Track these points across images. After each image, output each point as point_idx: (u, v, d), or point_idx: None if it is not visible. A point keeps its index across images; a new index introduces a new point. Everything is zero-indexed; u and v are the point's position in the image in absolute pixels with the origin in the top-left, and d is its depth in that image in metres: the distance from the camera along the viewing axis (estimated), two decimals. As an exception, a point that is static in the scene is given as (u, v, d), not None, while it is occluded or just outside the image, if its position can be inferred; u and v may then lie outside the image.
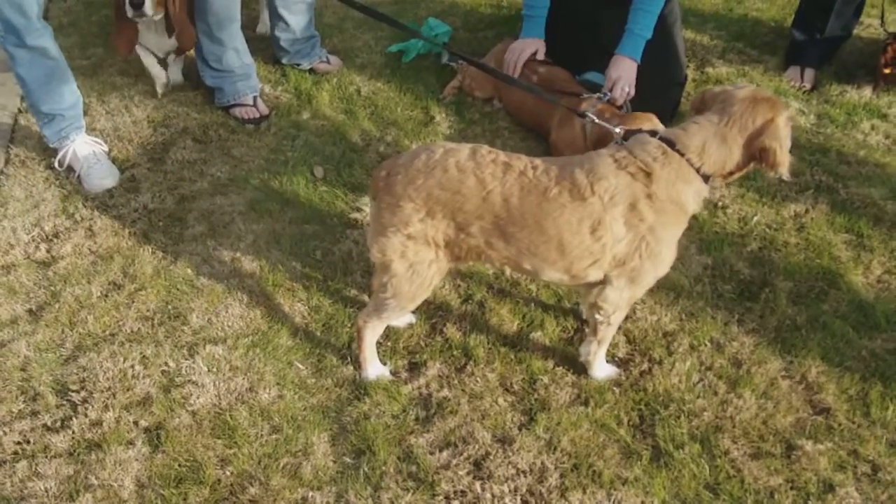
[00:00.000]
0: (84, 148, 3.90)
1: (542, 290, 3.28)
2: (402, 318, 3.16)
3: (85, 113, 4.21)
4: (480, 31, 5.09)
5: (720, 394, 2.87)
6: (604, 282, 2.68)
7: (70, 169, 3.91)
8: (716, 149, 2.56)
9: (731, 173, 2.63)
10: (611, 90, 3.96)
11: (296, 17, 4.51)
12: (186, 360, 3.02)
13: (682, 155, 2.56)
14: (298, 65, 4.69)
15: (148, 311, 3.25)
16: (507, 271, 2.76)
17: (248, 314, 3.21)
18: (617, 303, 2.71)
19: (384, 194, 2.66)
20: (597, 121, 3.12)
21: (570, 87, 4.09)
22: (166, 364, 3.02)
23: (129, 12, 3.97)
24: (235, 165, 3.99)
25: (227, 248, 3.51)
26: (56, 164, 3.93)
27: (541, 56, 4.29)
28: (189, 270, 3.41)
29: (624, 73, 4.00)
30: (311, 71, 4.69)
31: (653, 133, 2.66)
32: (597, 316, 2.77)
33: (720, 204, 3.70)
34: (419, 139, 4.11)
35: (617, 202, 2.53)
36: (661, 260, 2.63)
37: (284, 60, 4.71)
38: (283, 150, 4.08)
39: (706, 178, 2.59)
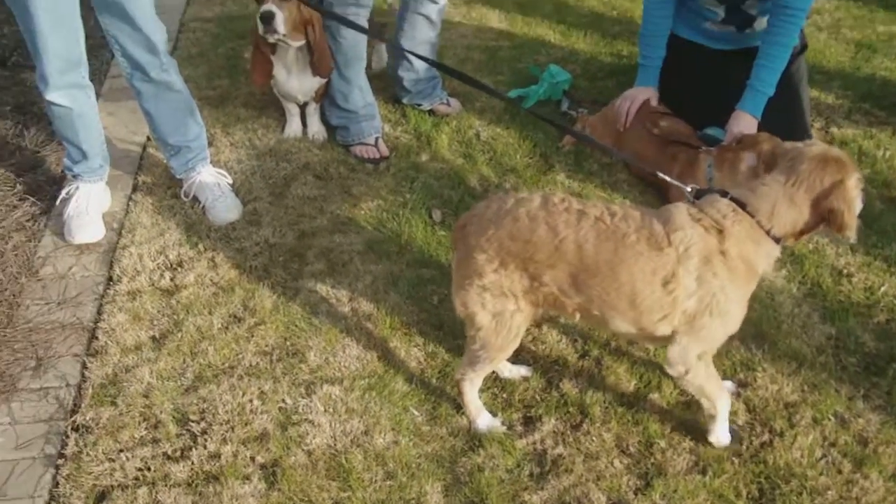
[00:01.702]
0: (209, 180, 3.99)
1: (660, 350, 3.24)
2: (517, 370, 3.15)
3: (210, 144, 4.32)
4: (600, 80, 5.08)
5: (845, 473, 2.78)
6: (672, 337, 2.64)
7: (195, 199, 4.01)
8: (785, 210, 2.54)
9: (801, 233, 2.60)
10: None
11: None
12: (303, 398, 3.05)
13: (753, 216, 2.54)
14: (419, 105, 4.74)
15: (267, 346, 3.29)
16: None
17: (364, 356, 3.23)
18: (686, 361, 2.65)
19: (460, 245, 2.71)
20: (668, 179, 2.98)
21: (689, 142, 4.06)
22: (283, 401, 3.05)
23: (260, 28, 4.08)
24: (355, 204, 4.04)
25: (345, 288, 3.55)
26: (182, 195, 4.03)
27: (654, 103, 4.28)
28: (307, 308, 3.46)
29: (745, 129, 3.96)
30: (431, 112, 4.73)
31: (724, 193, 2.62)
32: (671, 372, 2.72)
33: (845, 272, 3.60)
34: (537, 188, 4.11)
35: (692, 254, 2.50)
36: (731, 318, 2.59)
37: (405, 100, 4.77)
38: (401, 191, 4.12)
39: (777, 240, 2.56)
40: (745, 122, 3.99)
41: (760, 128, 3.99)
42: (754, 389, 3.08)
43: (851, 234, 2.55)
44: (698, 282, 2.51)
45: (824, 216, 2.54)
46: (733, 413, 2.97)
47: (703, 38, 4.39)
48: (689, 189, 2.81)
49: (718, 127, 4.16)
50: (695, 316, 2.55)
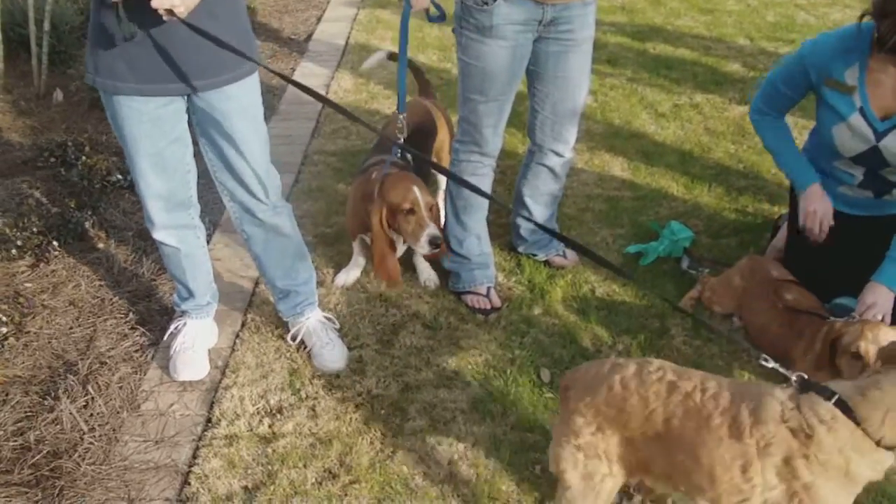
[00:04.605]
0: (317, 326, 3.94)
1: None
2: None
3: (320, 284, 4.29)
4: (723, 238, 4.90)
5: None
6: None
7: (302, 343, 3.96)
8: None
9: None
10: (861, 315, 3.67)
11: (540, 207, 4.49)
12: (393, 570, 2.91)
13: (858, 424, 2.31)
14: (534, 255, 4.65)
15: (360, 507, 3.17)
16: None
17: (460, 526, 3.08)
18: None
19: (563, 405, 2.71)
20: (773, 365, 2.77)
21: (817, 313, 3.83)
22: (372, 572, 2.91)
23: (425, 250, 4.08)
24: (462, 357, 3.92)
25: (446, 448, 3.41)
26: (289, 339, 3.99)
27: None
28: (405, 468, 3.32)
29: (879, 301, 3.70)
30: (547, 263, 4.62)
31: (832, 394, 2.39)
32: None
33: None
34: (651, 353, 3.93)
35: (771, 452, 2.37)
36: None
37: (521, 249, 4.68)
38: (511, 346, 4.00)
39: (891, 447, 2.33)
40: (880, 294, 3.72)
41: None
42: None
43: None
44: (779, 478, 2.38)
45: None
46: None
47: (838, 203, 4.19)
48: (794, 377, 2.61)
49: (851, 297, 3.93)
50: None
